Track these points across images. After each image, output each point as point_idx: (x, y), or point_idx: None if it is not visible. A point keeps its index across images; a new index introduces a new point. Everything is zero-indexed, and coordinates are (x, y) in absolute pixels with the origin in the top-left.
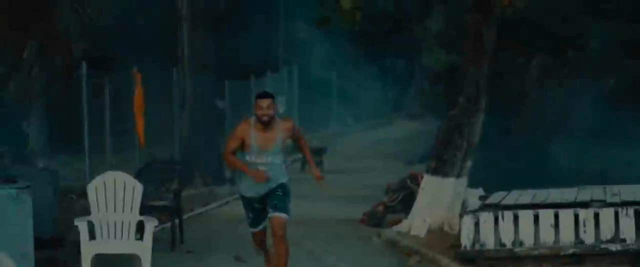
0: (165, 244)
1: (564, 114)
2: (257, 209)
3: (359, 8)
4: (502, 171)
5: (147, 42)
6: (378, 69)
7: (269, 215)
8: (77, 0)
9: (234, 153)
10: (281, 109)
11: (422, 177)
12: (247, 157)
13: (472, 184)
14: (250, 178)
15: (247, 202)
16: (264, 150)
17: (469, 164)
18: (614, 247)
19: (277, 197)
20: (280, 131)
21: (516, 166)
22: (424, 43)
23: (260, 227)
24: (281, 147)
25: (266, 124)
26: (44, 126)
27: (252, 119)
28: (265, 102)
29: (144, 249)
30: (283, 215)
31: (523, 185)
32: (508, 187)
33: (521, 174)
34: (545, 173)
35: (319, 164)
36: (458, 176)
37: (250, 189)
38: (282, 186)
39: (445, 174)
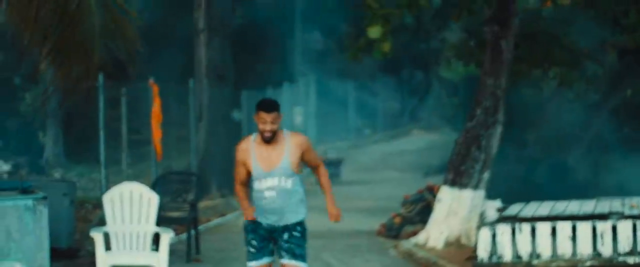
0: (181, 255)
1: (581, 126)
2: (263, 237)
3: (387, 38)
4: (520, 182)
5: (164, 53)
6: (395, 80)
7: (282, 261)
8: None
9: (244, 183)
10: (299, 119)
11: (439, 189)
12: (254, 184)
13: (489, 195)
14: (259, 201)
15: (252, 227)
16: (268, 171)
17: (486, 175)
18: (632, 260)
19: (294, 240)
20: (289, 147)
21: (534, 178)
22: (441, 55)
23: (263, 262)
24: (292, 168)
25: (269, 142)
26: (60, 137)
27: (253, 135)
28: (269, 117)
29: (159, 260)
30: (301, 265)
31: (541, 197)
32: (526, 198)
33: (539, 186)
34: (563, 185)
35: (336, 176)
36: (475, 187)
37: (260, 216)
38: (300, 225)
39: (462, 186)
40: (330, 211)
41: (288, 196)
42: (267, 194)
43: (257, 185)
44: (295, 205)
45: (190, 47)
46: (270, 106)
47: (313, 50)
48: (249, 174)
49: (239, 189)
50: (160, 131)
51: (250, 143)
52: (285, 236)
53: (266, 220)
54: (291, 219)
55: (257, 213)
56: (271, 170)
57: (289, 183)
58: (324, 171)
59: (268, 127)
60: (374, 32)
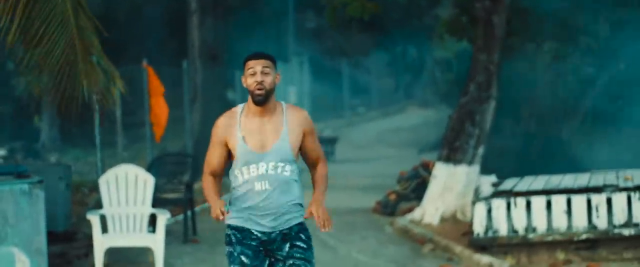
0: (178, 236)
1: (575, 100)
2: (256, 250)
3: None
4: (515, 157)
5: (157, 34)
6: (389, 57)
7: None
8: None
9: (217, 172)
10: (292, 99)
11: (433, 165)
12: (236, 174)
13: (484, 171)
14: (244, 200)
15: (239, 236)
16: (260, 153)
17: (481, 151)
18: (627, 232)
19: (299, 253)
20: (288, 123)
21: (528, 152)
22: (434, 31)
23: None
24: (292, 151)
25: (261, 104)
26: (55, 121)
27: (240, 107)
28: (259, 65)
29: (156, 241)
30: None
31: (535, 171)
32: (520, 173)
33: (533, 160)
34: (558, 159)
35: (331, 154)
36: (470, 163)
37: (247, 218)
38: (303, 230)
39: (457, 162)
40: (317, 215)
41: (287, 190)
42: (258, 186)
43: (240, 176)
44: (294, 203)
45: (183, 28)
46: (261, 54)
47: (306, 28)
48: (226, 161)
49: (207, 180)
50: (166, 108)
51: (235, 116)
52: (286, 248)
53: (257, 226)
54: (291, 221)
55: (238, 216)
56: (265, 151)
57: (287, 171)
58: (324, 169)
59: (258, 77)
60: None
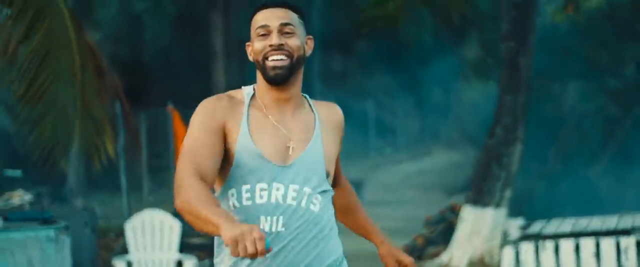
0: None
1: (602, 141)
2: None
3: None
4: (542, 199)
5: (182, 77)
6: (415, 98)
7: None
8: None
9: (205, 178)
10: None
11: (461, 208)
12: (228, 196)
13: (512, 213)
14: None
15: None
16: (279, 166)
17: (508, 193)
18: None
19: None
20: (323, 122)
21: (556, 194)
22: (460, 72)
23: None
24: (328, 170)
25: (281, 82)
26: (81, 164)
27: (245, 89)
28: (275, 18)
29: None
30: None
31: (563, 213)
32: (548, 215)
33: (561, 201)
34: (586, 200)
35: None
36: (497, 205)
37: None
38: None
39: (484, 205)
40: (398, 258)
41: (318, 238)
42: (265, 224)
43: (234, 201)
44: (331, 264)
45: (208, 71)
46: (278, 1)
47: (332, 70)
48: (220, 165)
49: (195, 187)
50: None
51: (240, 101)
52: None
53: None
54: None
55: None
56: (285, 163)
57: (317, 202)
58: (350, 187)
59: (275, 40)
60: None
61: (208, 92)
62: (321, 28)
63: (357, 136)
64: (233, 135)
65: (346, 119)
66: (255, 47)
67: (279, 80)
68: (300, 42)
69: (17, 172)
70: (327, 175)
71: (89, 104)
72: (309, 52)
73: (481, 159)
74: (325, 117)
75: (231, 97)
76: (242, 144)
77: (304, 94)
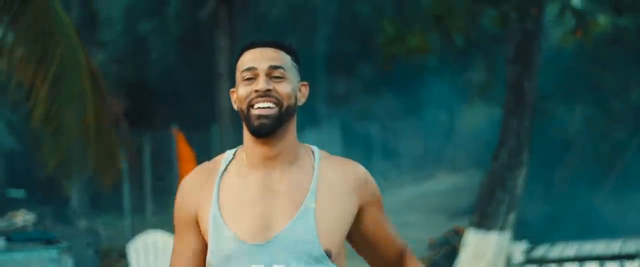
0: None
1: (607, 164)
2: None
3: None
4: (546, 222)
5: (186, 98)
6: (419, 121)
7: None
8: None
9: None
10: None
11: (464, 232)
12: None
13: (516, 237)
14: None
15: None
16: (257, 244)
17: (512, 217)
18: None
19: None
20: (323, 182)
21: (560, 218)
22: (465, 94)
23: None
24: (325, 242)
25: (266, 134)
26: (85, 185)
27: (229, 153)
28: (264, 59)
29: None
30: None
31: (567, 237)
32: (552, 239)
33: (565, 225)
34: (590, 224)
35: None
36: (501, 229)
37: None
38: None
39: (488, 228)
40: None
41: None
42: None
43: None
44: None
45: (212, 92)
46: (268, 40)
47: (337, 92)
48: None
49: None
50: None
51: (213, 171)
52: None
53: None
54: None
55: None
56: (265, 240)
57: None
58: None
59: (262, 84)
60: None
61: (212, 114)
62: (325, 50)
63: (361, 158)
64: (204, 216)
65: (349, 142)
66: (239, 93)
67: (263, 132)
68: (291, 88)
69: (20, 192)
70: (325, 246)
71: (99, 126)
72: (302, 100)
73: (485, 182)
74: (334, 177)
75: (210, 170)
76: (213, 226)
77: (312, 146)
